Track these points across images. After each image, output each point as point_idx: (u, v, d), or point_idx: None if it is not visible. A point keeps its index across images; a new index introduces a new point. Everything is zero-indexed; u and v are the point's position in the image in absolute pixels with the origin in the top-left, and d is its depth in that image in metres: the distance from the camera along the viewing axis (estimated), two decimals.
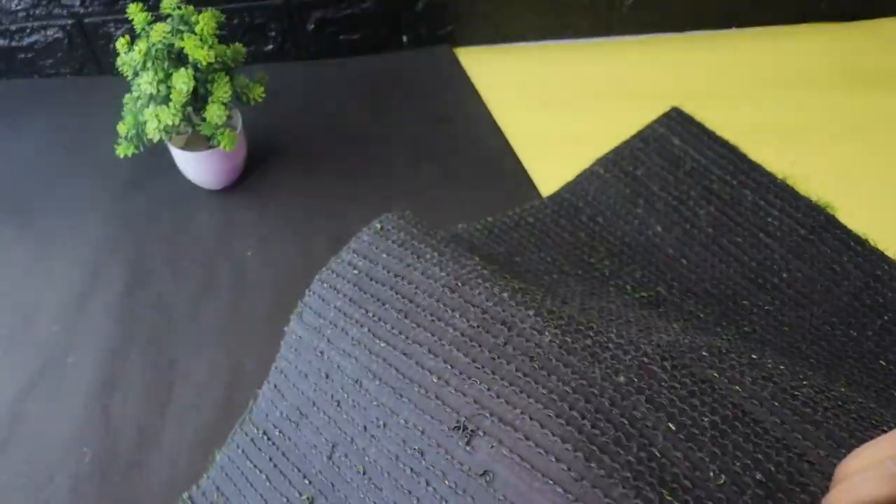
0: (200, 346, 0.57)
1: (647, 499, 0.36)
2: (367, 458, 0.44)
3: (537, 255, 0.61)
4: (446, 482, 0.40)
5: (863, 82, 0.75)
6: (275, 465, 0.48)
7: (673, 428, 0.39)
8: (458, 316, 0.45)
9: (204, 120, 0.62)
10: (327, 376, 0.47)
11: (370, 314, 0.47)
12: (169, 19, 0.61)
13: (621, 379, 0.41)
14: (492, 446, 0.39)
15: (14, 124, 0.79)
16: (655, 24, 0.84)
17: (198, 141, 0.68)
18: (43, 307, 0.61)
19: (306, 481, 0.47)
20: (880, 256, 0.58)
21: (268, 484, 0.48)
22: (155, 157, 0.70)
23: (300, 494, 0.46)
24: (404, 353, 0.45)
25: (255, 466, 0.48)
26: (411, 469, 0.42)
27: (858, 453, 0.36)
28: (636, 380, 0.41)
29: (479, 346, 0.43)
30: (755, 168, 0.64)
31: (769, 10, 0.83)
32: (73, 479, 0.50)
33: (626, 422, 0.39)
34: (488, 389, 0.41)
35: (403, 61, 0.83)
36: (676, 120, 0.68)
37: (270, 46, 0.83)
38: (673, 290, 0.59)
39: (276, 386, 0.50)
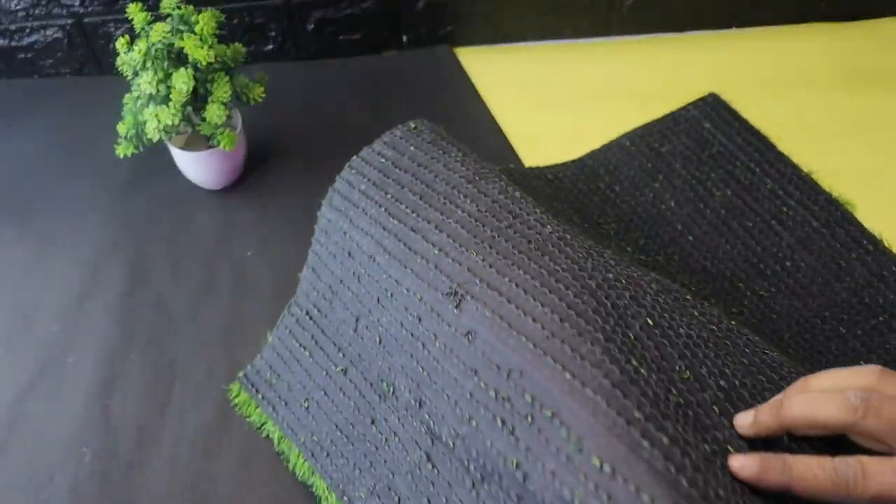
0: (200, 346, 0.57)
1: (615, 358, 0.37)
2: (380, 328, 0.47)
3: (548, 203, 0.62)
4: (437, 344, 0.43)
5: (863, 82, 0.75)
6: (316, 342, 0.52)
7: (650, 323, 0.41)
8: (469, 202, 0.47)
9: (204, 120, 0.62)
10: (350, 254, 0.51)
11: (389, 195, 0.50)
12: (169, 19, 0.61)
13: (611, 275, 0.43)
14: (476, 308, 0.42)
15: (14, 124, 0.79)
16: (655, 24, 0.84)
17: (198, 141, 0.68)
18: (43, 307, 0.61)
19: (340, 354, 0.50)
20: (891, 258, 0.57)
21: (311, 360, 0.52)
22: (155, 157, 0.70)
23: (336, 366, 0.50)
24: (413, 230, 0.47)
25: (300, 345, 0.52)
26: (412, 334, 0.45)
27: (821, 376, 0.37)
28: (624, 281, 0.43)
29: (483, 225, 0.46)
30: (781, 159, 0.64)
31: (769, 10, 0.83)
32: (73, 479, 0.50)
33: (609, 303, 0.41)
34: (483, 260, 0.43)
35: (403, 61, 0.83)
36: (711, 105, 0.69)
37: (270, 46, 0.83)
38: (672, 262, 0.60)
39: (313, 269, 0.54)
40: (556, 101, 0.76)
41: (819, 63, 0.78)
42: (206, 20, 0.60)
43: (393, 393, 0.46)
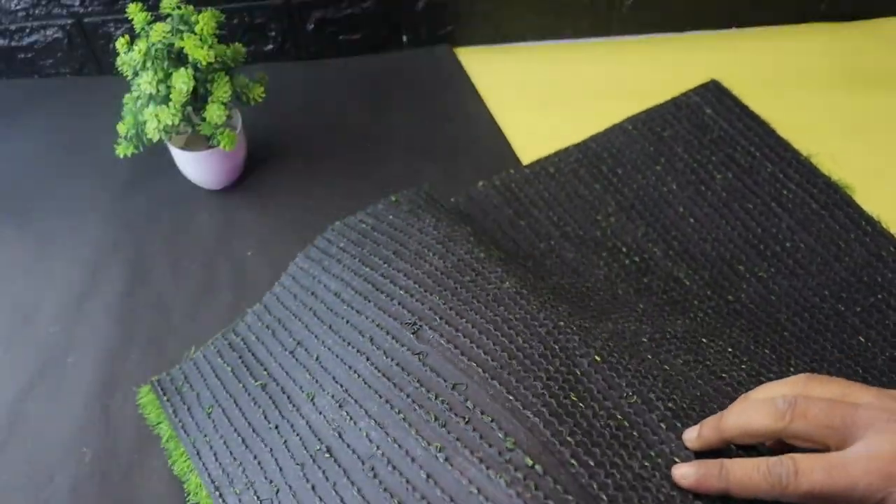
0: (200, 346, 0.57)
1: (554, 393, 0.41)
2: (322, 349, 0.50)
3: (545, 213, 0.64)
4: (385, 358, 0.46)
5: (863, 82, 0.75)
6: (242, 362, 0.53)
7: (598, 360, 0.44)
8: (437, 258, 0.51)
9: (204, 120, 0.62)
10: (313, 294, 0.54)
11: (364, 251, 0.54)
12: (169, 19, 0.61)
13: (562, 323, 0.46)
14: (432, 336, 0.46)
15: (14, 124, 0.79)
16: (655, 24, 0.84)
17: (198, 141, 0.68)
18: (43, 307, 0.61)
19: (265, 371, 0.52)
20: (889, 238, 0.58)
21: (231, 375, 0.53)
22: (155, 157, 0.70)
23: (255, 381, 0.51)
24: (382, 275, 0.51)
25: (225, 363, 0.53)
26: (358, 350, 0.48)
27: (757, 389, 0.39)
28: (575, 328, 0.46)
29: (448, 277, 0.49)
30: (781, 143, 0.65)
31: (769, 10, 0.83)
32: (73, 479, 0.50)
33: (557, 347, 0.44)
34: (444, 304, 0.47)
35: (403, 61, 0.83)
36: (713, 91, 0.71)
37: (270, 46, 0.83)
38: (670, 251, 0.60)
39: (265, 305, 0.56)
40: (556, 101, 0.76)
41: (819, 63, 0.78)
42: (206, 20, 0.60)
43: (311, 400, 0.47)
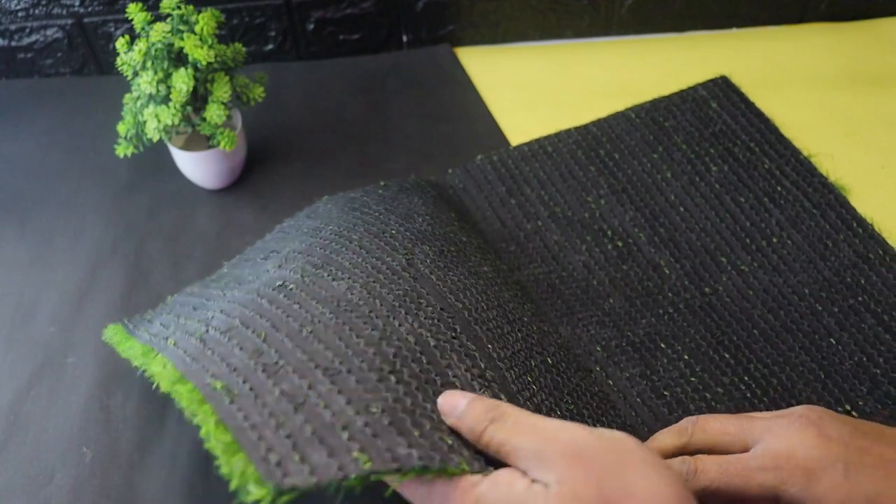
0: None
1: (518, 364, 0.45)
2: (296, 243, 0.51)
3: (537, 191, 0.65)
4: (373, 258, 0.47)
5: (863, 82, 0.75)
6: (211, 279, 0.53)
7: (550, 362, 0.48)
8: (424, 224, 0.53)
9: (204, 120, 0.62)
10: (297, 230, 0.54)
11: (354, 207, 0.55)
12: (169, 19, 0.61)
13: (525, 319, 0.49)
14: (423, 269, 0.47)
15: (14, 124, 0.79)
16: (655, 24, 0.84)
17: (198, 141, 0.68)
18: (42, 307, 0.61)
19: (238, 284, 0.50)
20: (879, 241, 0.58)
21: (200, 293, 0.52)
22: (155, 157, 0.70)
23: (230, 289, 0.49)
24: (370, 217, 0.52)
25: (196, 293, 0.52)
26: (344, 247, 0.48)
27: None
28: (535, 329, 0.49)
29: (436, 239, 0.51)
30: (782, 141, 0.65)
31: (769, 10, 0.83)
32: (73, 479, 0.50)
33: (520, 336, 0.47)
34: (434, 254, 0.49)
35: (403, 61, 0.83)
36: (721, 87, 0.71)
37: (270, 46, 0.83)
38: (655, 237, 0.61)
39: (240, 255, 0.57)
40: (557, 101, 0.76)
41: (819, 63, 0.78)
42: (206, 20, 0.60)
43: (278, 267, 0.48)
